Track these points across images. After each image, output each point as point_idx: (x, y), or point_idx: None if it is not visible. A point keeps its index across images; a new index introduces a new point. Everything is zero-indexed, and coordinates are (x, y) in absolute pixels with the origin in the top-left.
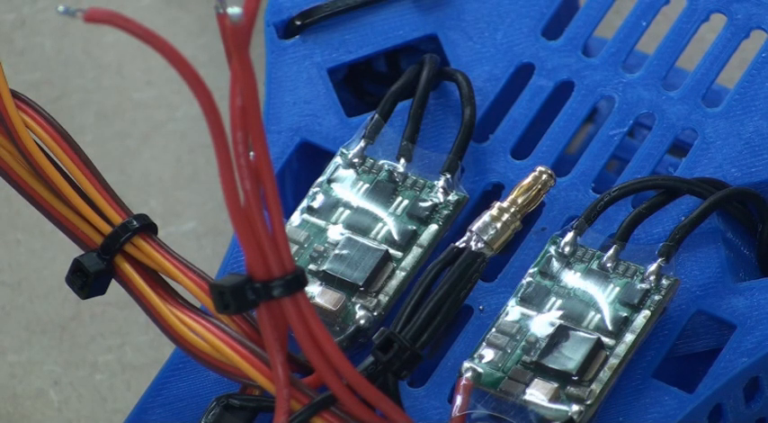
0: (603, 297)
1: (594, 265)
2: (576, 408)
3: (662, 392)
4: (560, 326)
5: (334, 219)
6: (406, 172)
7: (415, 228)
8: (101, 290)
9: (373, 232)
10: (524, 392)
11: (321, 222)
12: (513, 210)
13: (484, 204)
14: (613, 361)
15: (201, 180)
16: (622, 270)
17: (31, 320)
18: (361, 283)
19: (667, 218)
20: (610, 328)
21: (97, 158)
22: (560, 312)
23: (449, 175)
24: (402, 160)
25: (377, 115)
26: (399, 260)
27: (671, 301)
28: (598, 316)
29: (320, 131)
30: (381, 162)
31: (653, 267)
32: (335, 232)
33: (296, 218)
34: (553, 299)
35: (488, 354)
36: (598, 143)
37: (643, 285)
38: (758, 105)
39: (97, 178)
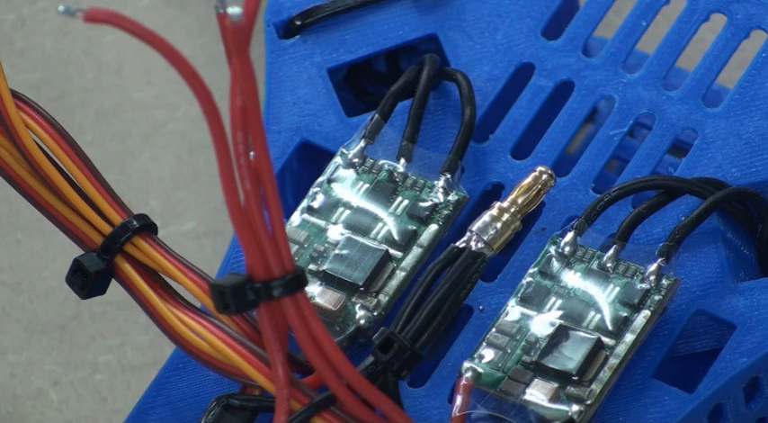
0: (603, 297)
1: (594, 265)
2: (576, 408)
3: (662, 392)
4: (560, 326)
5: (334, 219)
6: (406, 172)
7: (415, 228)
8: (101, 290)
9: (373, 232)
10: (524, 392)
11: (321, 222)
12: (513, 210)
13: (484, 204)
14: (613, 361)
15: (201, 180)
16: (622, 270)
17: (31, 320)
18: (361, 283)
19: (667, 218)
20: (610, 328)
21: (97, 158)
22: (560, 312)
23: (449, 175)
24: (402, 160)
25: (377, 115)
26: (399, 260)
27: (671, 301)
28: (598, 316)
29: (320, 131)
30: (381, 162)
31: (653, 267)
32: (335, 232)
33: (296, 218)
34: (553, 299)
35: (488, 354)
36: (598, 143)
37: (643, 285)
38: (758, 105)
39: (97, 178)
